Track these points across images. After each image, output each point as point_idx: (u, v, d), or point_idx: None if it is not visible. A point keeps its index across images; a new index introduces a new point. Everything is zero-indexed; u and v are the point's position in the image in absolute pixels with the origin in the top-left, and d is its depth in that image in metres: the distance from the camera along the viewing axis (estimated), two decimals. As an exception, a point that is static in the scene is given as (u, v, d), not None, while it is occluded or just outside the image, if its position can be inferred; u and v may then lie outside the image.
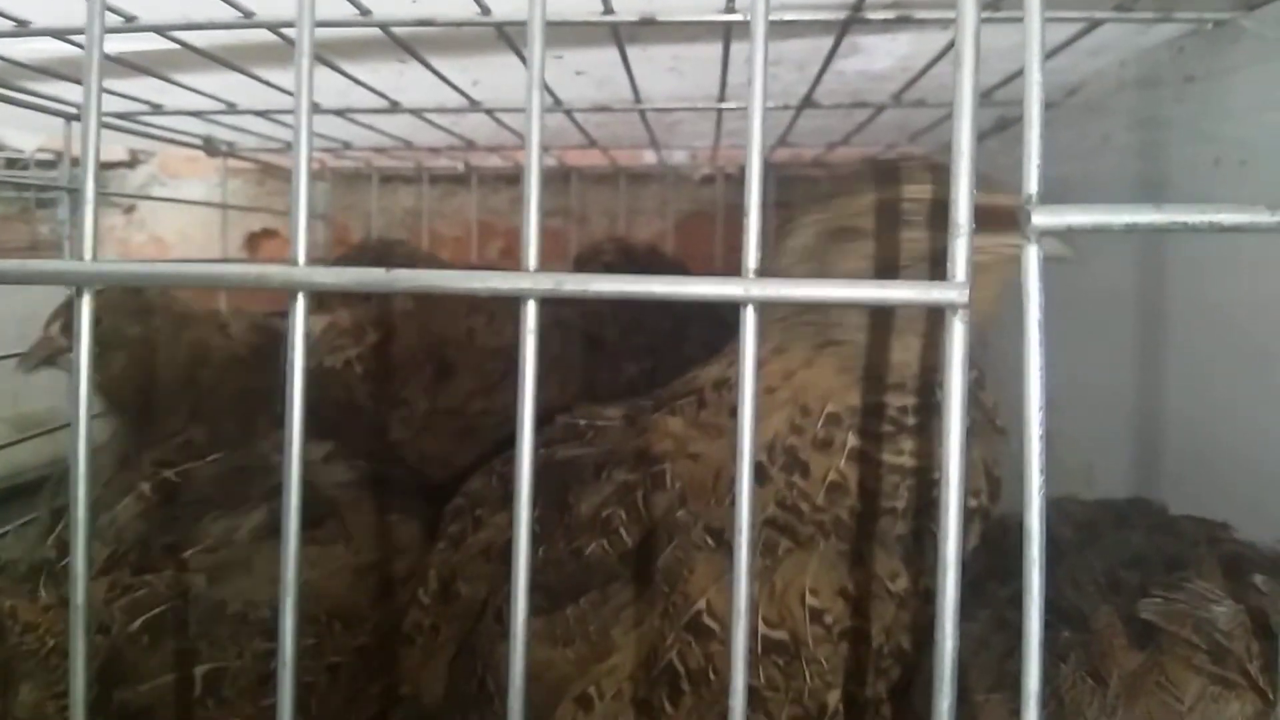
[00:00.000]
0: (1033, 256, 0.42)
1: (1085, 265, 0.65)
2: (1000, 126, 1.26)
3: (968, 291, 0.43)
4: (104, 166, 1.74)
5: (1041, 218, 0.41)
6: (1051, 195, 0.42)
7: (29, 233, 1.79)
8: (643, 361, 1.27)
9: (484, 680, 0.73)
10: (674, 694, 0.63)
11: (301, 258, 0.44)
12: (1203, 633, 0.51)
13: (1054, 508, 0.75)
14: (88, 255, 0.45)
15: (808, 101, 1.11)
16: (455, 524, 0.83)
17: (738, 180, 1.77)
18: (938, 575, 0.43)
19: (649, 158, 1.71)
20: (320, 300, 1.06)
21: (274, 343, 1.17)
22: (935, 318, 0.66)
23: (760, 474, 0.65)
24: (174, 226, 1.78)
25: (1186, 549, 0.62)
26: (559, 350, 1.19)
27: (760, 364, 0.70)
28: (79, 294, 0.46)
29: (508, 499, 0.70)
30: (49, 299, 1.33)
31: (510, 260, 1.83)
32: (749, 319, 0.45)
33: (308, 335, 1.05)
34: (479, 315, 1.15)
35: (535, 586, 0.71)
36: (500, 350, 1.15)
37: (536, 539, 0.70)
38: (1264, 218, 0.40)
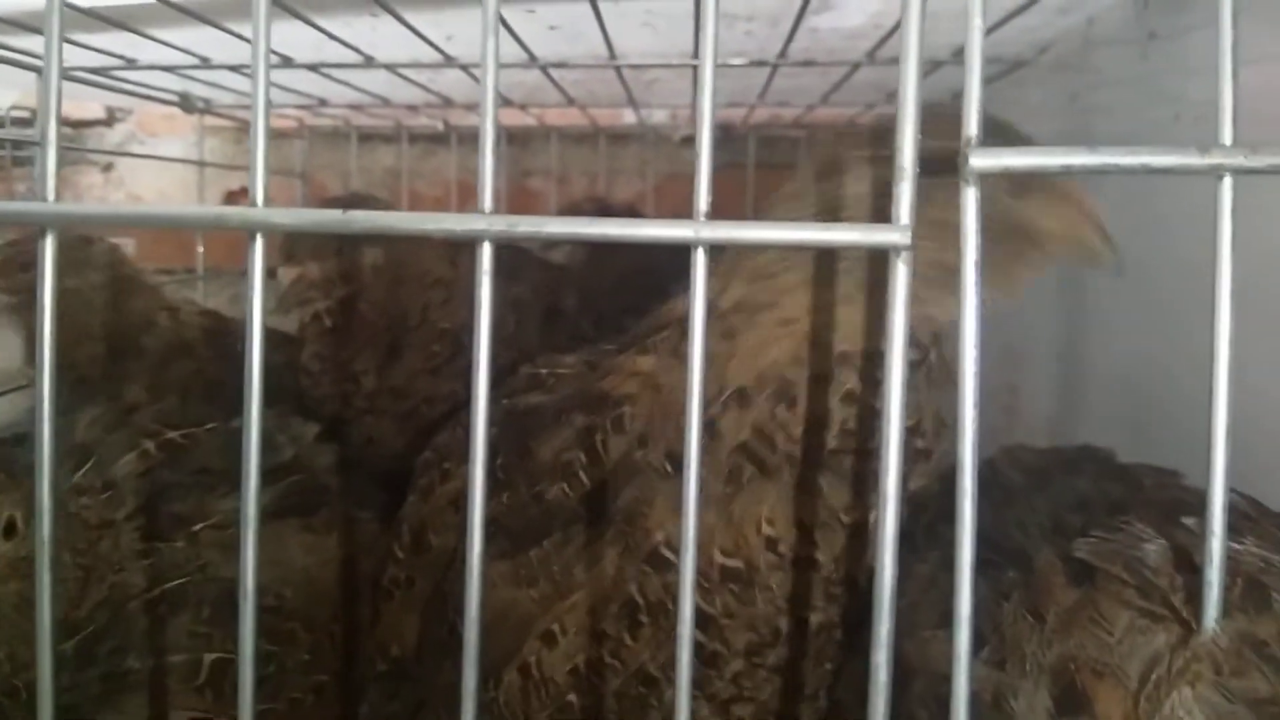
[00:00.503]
0: (971, 199, 0.43)
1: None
2: (975, 86, 1.26)
3: (910, 234, 0.44)
4: (81, 124, 1.73)
5: (980, 160, 0.42)
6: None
7: (5, 190, 1.79)
8: (603, 328, 1.28)
9: (454, 625, 0.75)
10: (634, 626, 0.65)
11: (260, 199, 0.45)
12: (1133, 570, 0.53)
13: (1006, 454, 0.77)
14: (50, 196, 0.46)
15: (782, 57, 1.12)
16: (424, 477, 0.84)
17: (718, 141, 1.77)
18: (879, 508, 0.44)
19: (629, 117, 1.71)
20: (290, 253, 1.06)
21: (228, 332, 1.16)
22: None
23: (744, 399, 0.66)
24: (152, 185, 1.78)
25: (1131, 495, 0.64)
26: (513, 330, 1.19)
27: (783, 292, 0.70)
28: (42, 234, 0.46)
29: None
30: (26, 255, 1.33)
31: (490, 220, 1.84)
32: (699, 260, 0.46)
33: (276, 284, 1.06)
34: (438, 290, 1.16)
35: (499, 531, 0.73)
36: (449, 333, 1.15)
37: (499, 486, 0.72)
38: (1193, 159, 0.41)
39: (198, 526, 0.80)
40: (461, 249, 1.17)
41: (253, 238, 0.45)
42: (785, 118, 1.70)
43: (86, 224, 0.44)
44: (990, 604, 0.56)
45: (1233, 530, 0.56)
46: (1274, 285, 0.64)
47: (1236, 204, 0.43)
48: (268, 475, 0.85)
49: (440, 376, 1.14)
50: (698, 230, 0.46)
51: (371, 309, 1.13)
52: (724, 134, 1.78)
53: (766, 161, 1.82)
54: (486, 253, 0.46)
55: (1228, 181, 0.42)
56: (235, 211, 0.45)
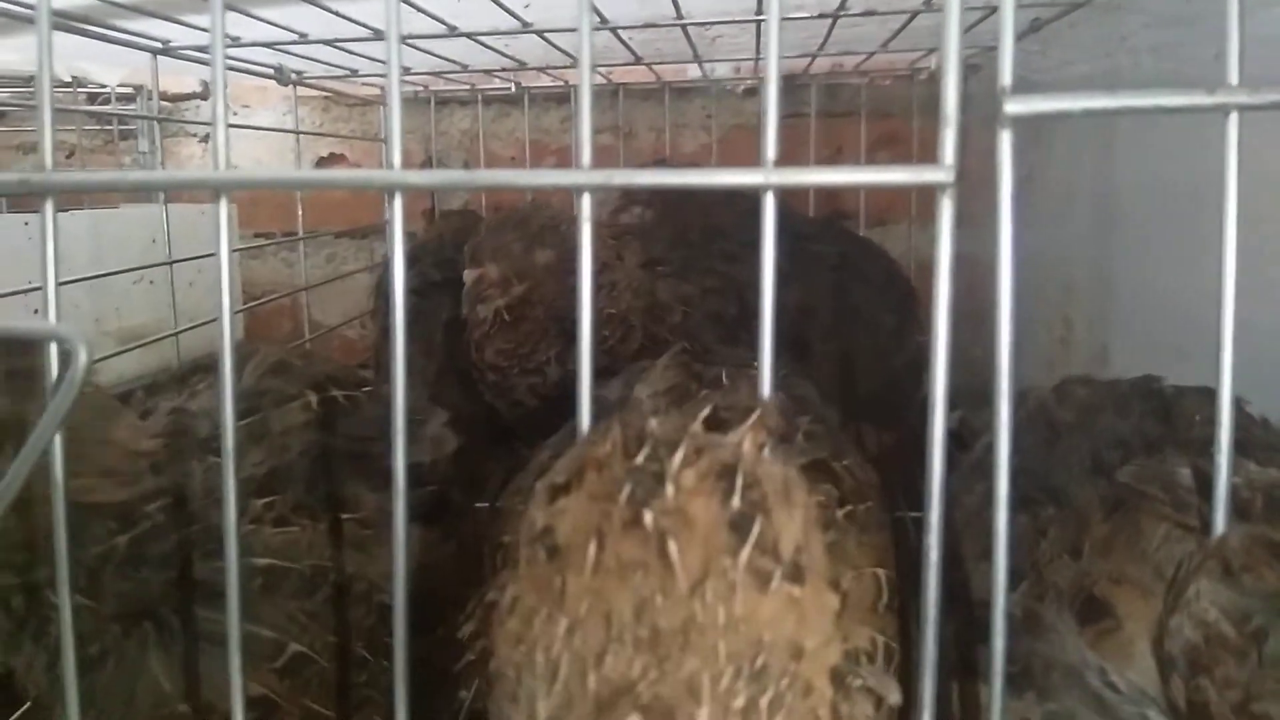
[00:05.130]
0: (1006, 141, 0.49)
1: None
2: (1035, 28, 1.30)
3: (954, 173, 0.50)
4: (179, 98, 1.85)
5: (1012, 106, 0.48)
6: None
7: (113, 164, 1.92)
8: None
9: None
10: None
11: (397, 162, 0.53)
12: (1169, 489, 0.57)
13: (1059, 391, 0.80)
14: (222, 165, 0.55)
15: (842, 8, 1.17)
16: None
17: (782, 92, 1.82)
18: (929, 405, 0.51)
19: (693, 72, 1.77)
20: (473, 255, 1.18)
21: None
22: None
23: None
24: (248, 154, 1.89)
25: (1171, 432, 0.66)
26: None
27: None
28: (218, 198, 0.55)
29: None
30: (143, 221, 1.45)
31: (563, 176, 1.92)
32: (769, 203, 0.53)
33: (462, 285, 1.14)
34: (603, 276, 1.23)
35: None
36: (616, 316, 1.24)
37: None
38: (1201, 99, 0.47)
39: (346, 516, 0.76)
40: (625, 241, 1.28)
41: (392, 197, 0.54)
42: (846, 66, 1.74)
43: (254, 188, 0.54)
44: (1029, 539, 0.60)
45: (1259, 455, 0.61)
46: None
47: (1242, 138, 0.49)
48: (428, 473, 0.83)
49: (612, 357, 1.21)
50: (767, 176, 0.53)
51: (546, 304, 1.22)
52: (787, 84, 1.83)
53: (828, 110, 1.86)
54: (586, 203, 0.54)
55: (1234, 118, 0.48)
56: (378, 174, 0.54)
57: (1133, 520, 0.57)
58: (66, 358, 0.50)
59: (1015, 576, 0.57)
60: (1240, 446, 0.59)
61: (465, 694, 1.17)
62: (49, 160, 0.54)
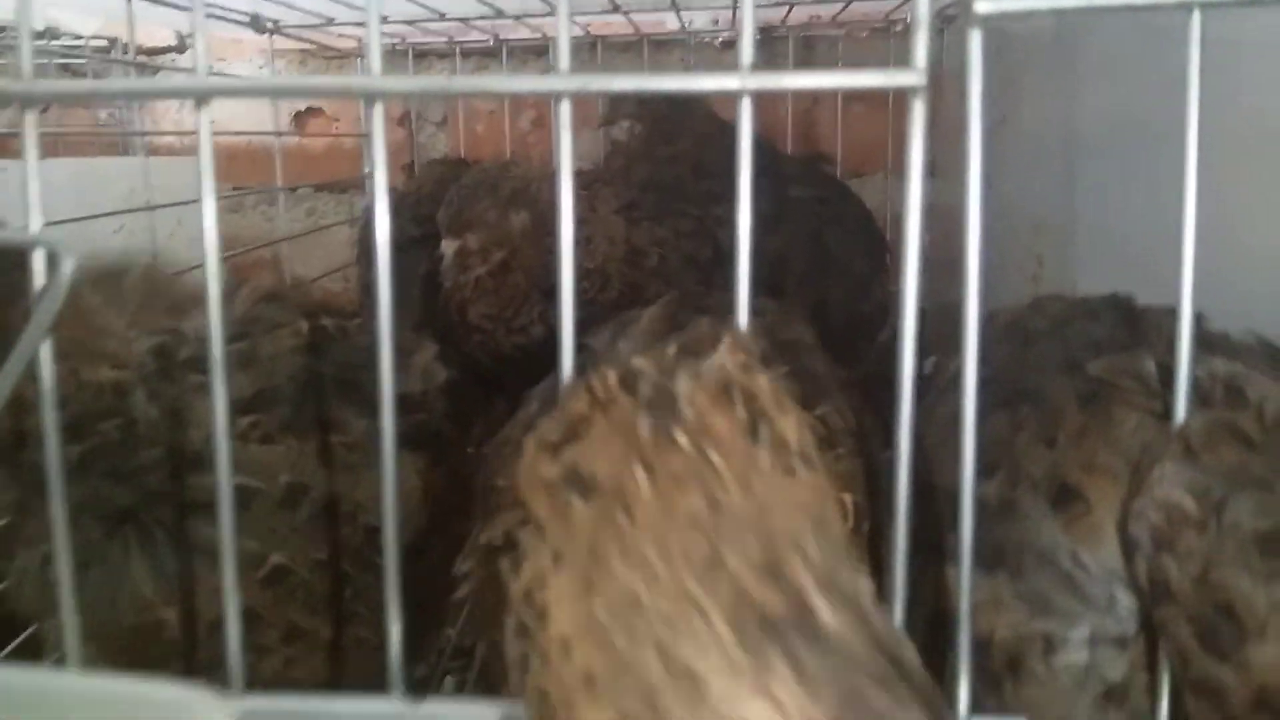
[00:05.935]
0: (976, 41, 0.50)
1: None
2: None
3: (925, 76, 0.52)
4: (153, 51, 1.83)
5: (982, 5, 0.49)
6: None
7: (89, 116, 1.90)
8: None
9: None
10: None
11: (376, 68, 0.53)
12: (1139, 381, 0.60)
13: (1034, 305, 0.83)
14: (202, 72, 0.56)
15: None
16: None
17: (758, 44, 1.82)
18: (899, 317, 0.52)
19: (671, 24, 1.77)
20: (450, 227, 1.20)
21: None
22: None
23: None
24: (225, 107, 1.87)
25: (1147, 332, 0.68)
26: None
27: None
28: (199, 106, 0.56)
29: None
30: (123, 171, 1.45)
31: (542, 129, 1.91)
32: (745, 108, 0.54)
33: (440, 259, 1.16)
34: (578, 230, 1.23)
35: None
36: (593, 271, 1.25)
37: None
38: (1166, -3, 0.48)
39: (334, 438, 0.76)
40: (596, 190, 1.29)
41: (371, 104, 0.55)
42: (823, 17, 1.75)
43: (235, 95, 0.55)
44: (1006, 435, 0.61)
45: (1223, 352, 0.63)
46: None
47: (1206, 39, 0.50)
48: (414, 405, 0.83)
49: (594, 307, 1.22)
50: (743, 80, 0.54)
51: (525, 269, 1.24)
52: (764, 36, 1.83)
53: (805, 63, 1.87)
54: (565, 109, 0.55)
55: (1196, 15, 0.49)
56: (358, 81, 0.54)
57: (1105, 410, 0.59)
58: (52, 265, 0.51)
59: (991, 468, 0.59)
60: (1206, 346, 0.62)
61: (451, 630, 1.19)
62: (28, 67, 0.54)
